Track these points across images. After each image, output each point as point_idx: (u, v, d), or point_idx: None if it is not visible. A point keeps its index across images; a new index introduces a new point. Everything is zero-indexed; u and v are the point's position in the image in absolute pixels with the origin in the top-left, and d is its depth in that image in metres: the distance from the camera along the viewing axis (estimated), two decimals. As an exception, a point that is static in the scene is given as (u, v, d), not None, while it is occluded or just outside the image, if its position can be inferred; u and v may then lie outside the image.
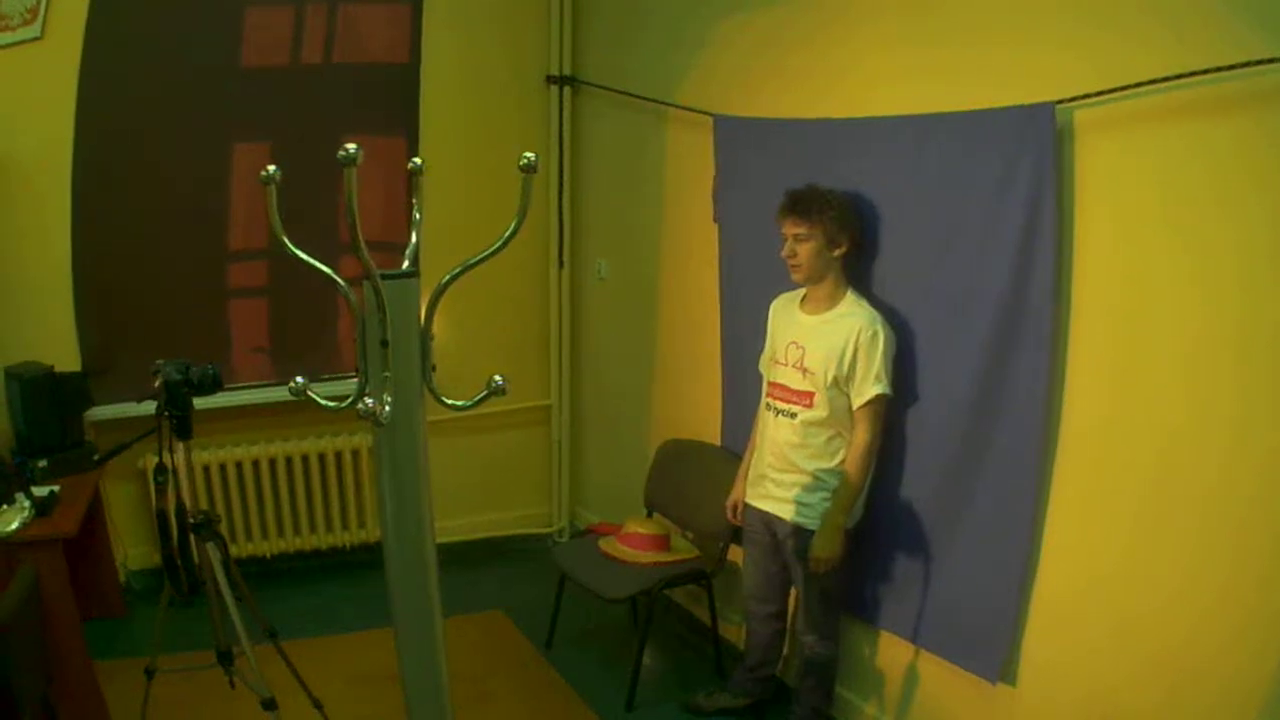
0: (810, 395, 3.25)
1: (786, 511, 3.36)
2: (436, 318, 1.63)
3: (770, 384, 3.44)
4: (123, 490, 4.53)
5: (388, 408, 1.55)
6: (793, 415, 3.30)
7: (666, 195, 4.49)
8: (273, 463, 4.76)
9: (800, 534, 3.33)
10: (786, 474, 3.35)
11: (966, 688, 3.17)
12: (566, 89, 4.98)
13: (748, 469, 3.61)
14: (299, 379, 1.59)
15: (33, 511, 3.37)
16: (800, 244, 3.19)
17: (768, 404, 3.44)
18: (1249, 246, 2.31)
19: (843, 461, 3.25)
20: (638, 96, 4.49)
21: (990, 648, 3.05)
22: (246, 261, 4.75)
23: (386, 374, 1.56)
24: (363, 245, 1.44)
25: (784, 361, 3.36)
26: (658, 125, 4.45)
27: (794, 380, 3.30)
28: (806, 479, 3.29)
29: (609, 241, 5.02)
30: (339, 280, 1.55)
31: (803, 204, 3.18)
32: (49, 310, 4.25)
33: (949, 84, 2.98)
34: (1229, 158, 2.34)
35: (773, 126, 3.66)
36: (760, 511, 3.49)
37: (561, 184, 5.06)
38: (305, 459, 4.82)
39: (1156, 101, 2.41)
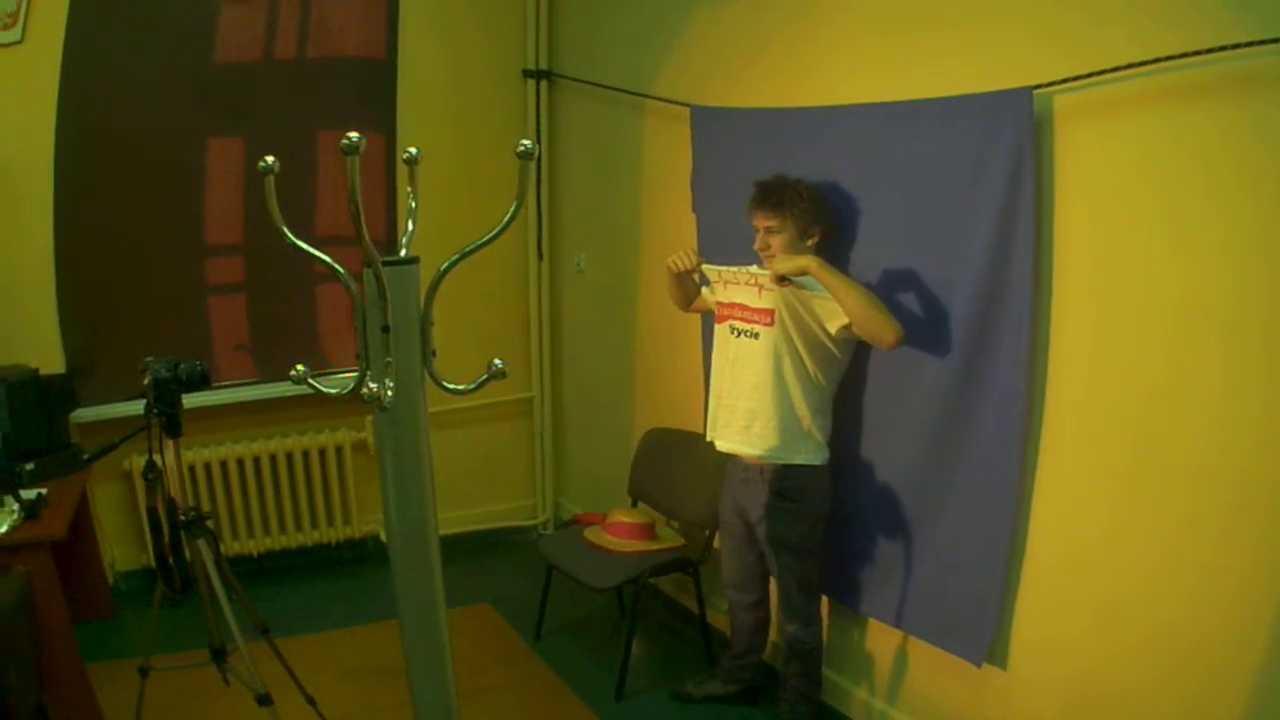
0: (770, 313, 3.14)
1: (755, 447, 3.24)
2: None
3: (722, 305, 3.32)
4: (109, 492, 4.53)
5: (390, 392, 1.58)
6: (755, 336, 3.19)
7: (644, 187, 4.51)
8: (258, 461, 4.77)
9: (772, 517, 3.27)
10: (744, 402, 3.25)
11: (957, 670, 3.15)
12: (543, 83, 5.00)
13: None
14: (300, 367, 1.65)
15: (21, 515, 3.35)
16: (773, 236, 3.12)
17: (731, 328, 3.29)
18: (1235, 227, 2.29)
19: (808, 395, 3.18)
20: (614, 89, 4.51)
21: (974, 631, 3.03)
22: (224, 257, 4.75)
23: (388, 359, 1.58)
24: (365, 232, 1.46)
25: (736, 281, 3.23)
26: (634, 118, 4.47)
27: (751, 298, 3.19)
28: (773, 409, 3.19)
29: (587, 234, 5.04)
30: (338, 269, 1.57)
31: (773, 196, 3.12)
32: (33, 312, 4.25)
33: (928, 71, 2.96)
34: (1212, 141, 2.32)
35: (749, 116, 3.66)
36: (732, 498, 3.43)
37: (540, 177, 5.09)
38: (290, 457, 4.83)
39: (1138, 86, 2.40)
